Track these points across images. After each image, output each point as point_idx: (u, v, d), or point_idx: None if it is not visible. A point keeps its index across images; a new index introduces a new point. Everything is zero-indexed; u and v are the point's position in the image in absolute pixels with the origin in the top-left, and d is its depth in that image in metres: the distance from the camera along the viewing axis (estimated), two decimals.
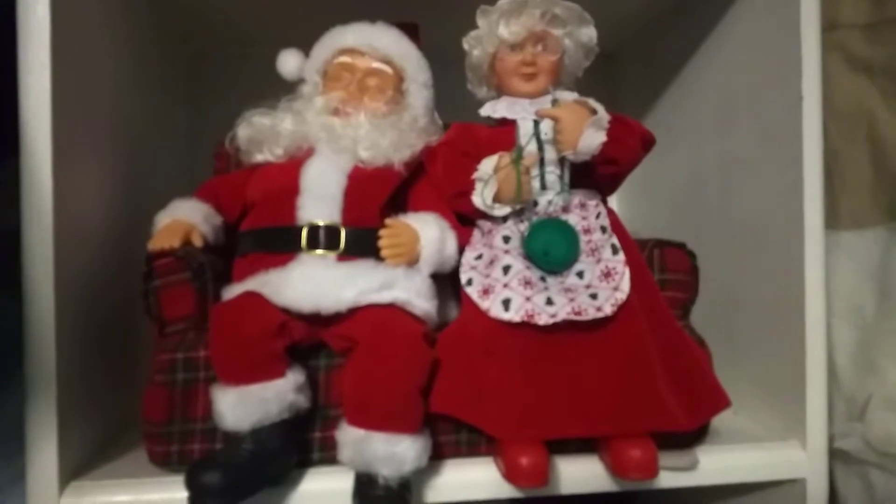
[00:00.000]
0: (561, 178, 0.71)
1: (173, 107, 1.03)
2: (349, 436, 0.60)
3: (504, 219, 0.71)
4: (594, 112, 0.69)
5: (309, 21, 0.78)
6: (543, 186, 0.71)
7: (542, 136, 0.72)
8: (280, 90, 0.78)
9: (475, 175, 0.71)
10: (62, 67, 0.63)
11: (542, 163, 0.72)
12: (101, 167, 0.74)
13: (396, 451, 0.58)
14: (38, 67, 0.61)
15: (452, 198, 0.74)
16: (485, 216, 0.72)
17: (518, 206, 0.70)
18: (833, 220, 0.77)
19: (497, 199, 0.70)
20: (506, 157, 0.69)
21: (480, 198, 0.70)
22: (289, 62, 0.79)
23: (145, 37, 0.89)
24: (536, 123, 0.73)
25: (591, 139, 0.68)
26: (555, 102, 0.72)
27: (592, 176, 0.72)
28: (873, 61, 0.77)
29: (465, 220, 0.75)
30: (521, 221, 0.70)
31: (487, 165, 0.70)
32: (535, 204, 0.71)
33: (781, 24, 0.75)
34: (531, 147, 0.71)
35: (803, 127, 0.72)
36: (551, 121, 0.70)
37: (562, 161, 0.71)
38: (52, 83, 0.61)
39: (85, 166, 0.69)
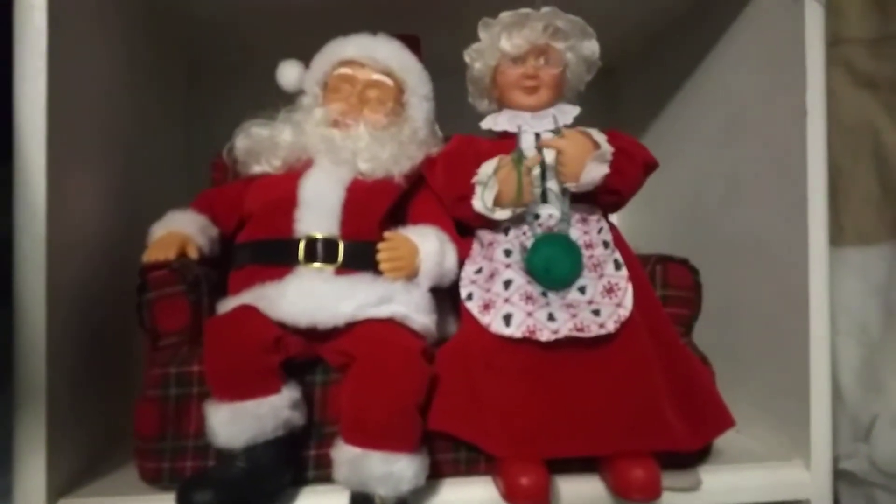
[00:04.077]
0: (562, 201, 0.70)
1: (171, 117, 1.02)
2: (345, 454, 0.58)
3: (505, 231, 0.70)
4: (597, 144, 0.68)
5: (309, 32, 0.78)
6: (545, 200, 0.71)
7: (544, 151, 0.71)
8: (280, 101, 0.77)
9: (475, 178, 0.70)
10: (58, 75, 0.62)
11: (543, 176, 0.71)
12: (97, 176, 0.74)
13: (393, 470, 0.57)
14: (34, 74, 0.60)
15: (452, 203, 0.73)
16: (486, 222, 0.71)
17: (519, 210, 0.69)
18: (837, 236, 0.76)
19: (498, 202, 0.68)
20: (506, 159, 0.68)
21: (481, 201, 0.69)
22: (288, 73, 0.79)
23: (144, 46, 0.88)
24: (538, 136, 0.72)
25: (594, 172, 0.67)
26: (558, 131, 0.71)
27: (594, 200, 0.71)
28: (878, 76, 0.76)
29: (467, 229, 0.74)
30: (523, 234, 0.69)
31: (487, 168, 0.69)
32: (537, 217, 0.70)
33: (785, 39, 0.75)
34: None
35: (807, 142, 0.71)
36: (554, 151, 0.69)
37: (563, 191, 0.70)
38: (48, 90, 0.61)
39: (79, 175, 0.69)
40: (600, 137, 0.69)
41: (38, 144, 0.60)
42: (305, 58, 0.79)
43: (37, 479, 0.60)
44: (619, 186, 0.69)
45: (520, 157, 0.68)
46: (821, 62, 0.72)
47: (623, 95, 1.20)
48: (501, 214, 0.69)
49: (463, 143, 0.76)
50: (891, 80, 0.76)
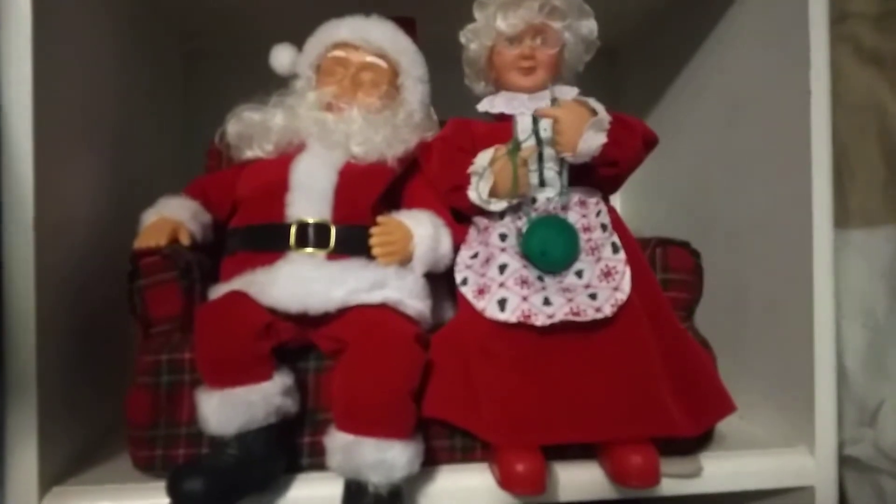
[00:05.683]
0: (560, 176, 0.69)
1: (168, 102, 1.02)
2: (338, 441, 0.58)
3: (501, 216, 0.69)
4: (594, 112, 0.66)
5: (308, 16, 0.76)
6: (542, 183, 0.69)
7: (541, 132, 0.70)
8: (278, 86, 0.76)
9: (470, 169, 0.69)
10: (44, 60, 0.61)
11: (540, 159, 0.70)
12: (87, 163, 0.73)
13: (386, 458, 0.56)
14: (19, 58, 0.59)
15: (447, 193, 0.72)
16: (481, 212, 0.70)
17: (514, 201, 0.68)
18: (843, 218, 0.74)
19: (493, 193, 0.67)
20: (502, 150, 0.67)
21: (476, 192, 0.68)
22: (281, 57, 0.78)
23: (138, 30, 0.88)
24: (535, 119, 0.71)
25: (591, 141, 0.66)
26: (554, 101, 0.70)
27: (593, 176, 0.69)
28: (884, 53, 0.74)
29: (462, 216, 0.73)
30: (519, 218, 0.68)
31: (483, 159, 0.68)
32: (534, 201, 0.69)
33: (789, 16, 0.73)
34: (529, 141, 0.69)
35: (811, 122, 0.70)
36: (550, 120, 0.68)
37: (561, 162, 0.69)
38: (34, 75, 0.60)
39: (69, 162, 0.68)
40: (598, 106, 0.67)
41: (25, 132, 0.59)
42: (303, 43, 0.78)
43: (29, 468, 0.59)
44: (617, 157, 0.67)
45: (515, 148, 0.67)
46: (825, 39, 0.70)
47: (624, 78, 1.18)
48: (497, 206, 0.68)
49: (459, 127, 0.75)
50: None
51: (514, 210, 0.69)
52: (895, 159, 0.74)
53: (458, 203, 0.71)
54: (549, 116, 0.67)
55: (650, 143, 0.72)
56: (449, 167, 0.71)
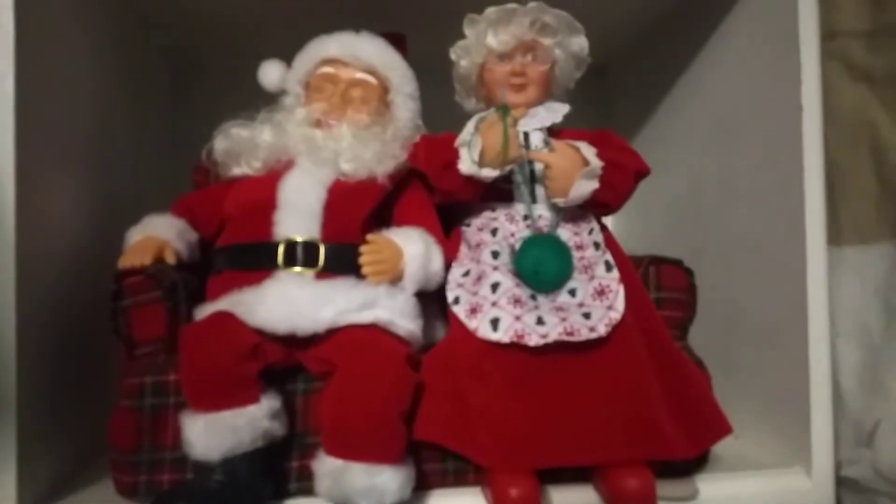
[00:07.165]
0: (550, 215, 0.69)
1: (154, 119, 1.01)
2: (326, 466, 0.56)
3: (493, 233, 0.68)
4: (587, 160, 0.66)
5: (297, 32, 0.76)
6: (534, 200, 0.69)
7: (532, 148, 0.70)
8: (266, 103, 0.75)
9: (457, 141, 0.68)
10: (28, 76, 0.60)
11: (532, 177, 0.69)
12: (71, 180, 0.72)
13: (377, 483, 0.55)
14: (2, 78, 0.58)
15: (438, 173, 0.70)
16: (473, 193, 0.69)
17: (506, 168, 0.67)
18: (836, 235, 0.74)
19: (483, 160, 0.66)
20: (487, 115, 0.67)
21: (468, 159, 0.67)
22: (270, 73, 0.77)
23: (124, 46, 0.87)
24: (527, 135, 0.71)
25: (583, 188, 0.66)
26: (547, 144, 0.70)
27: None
28: (874, 69, 0.74)
29: (452, 221, 0.73)
30: (511, 235, 0.67)
31: (469, 127, 0.68)
32: (527, 217, 0.68)
33: (780, 33, 0.73)
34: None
35: (803, 139, 0.70)
36: (543, 163, 0.67)
37: (552, 205, 0.68)
38: (16, 92, 0.59)
39: (52, 178, 0.67)
40: (589, 152, 0.67)
41: (6, 148, 0.58)
42: (293, 58, 0.77)
43: (7, 494, 0.58)
44: (608, 200, 0.68)
45: (505, 109, 0.66)
46: (815, 56, 0.71)
47: (615, 95, 1.18)
48: (489, 173, 0.67)
49: (451, 139, 0.74)
50: (887, 72, 0.73)
51: (506, 226, 0.68)
52: (887, 176, 0.74)
53: (450, 183, 0.69)
54: (541, 161, 0.67)
55: (642, 176, 0.72)
56: (436, 147, 0.71)
